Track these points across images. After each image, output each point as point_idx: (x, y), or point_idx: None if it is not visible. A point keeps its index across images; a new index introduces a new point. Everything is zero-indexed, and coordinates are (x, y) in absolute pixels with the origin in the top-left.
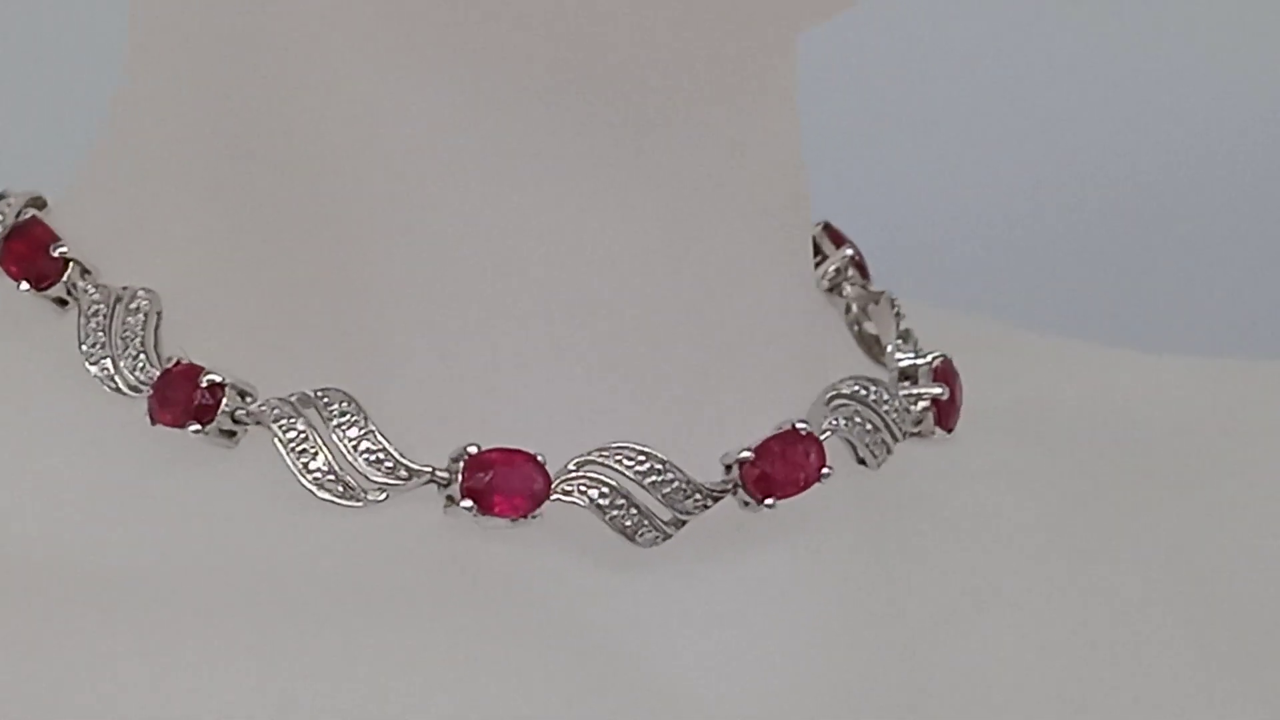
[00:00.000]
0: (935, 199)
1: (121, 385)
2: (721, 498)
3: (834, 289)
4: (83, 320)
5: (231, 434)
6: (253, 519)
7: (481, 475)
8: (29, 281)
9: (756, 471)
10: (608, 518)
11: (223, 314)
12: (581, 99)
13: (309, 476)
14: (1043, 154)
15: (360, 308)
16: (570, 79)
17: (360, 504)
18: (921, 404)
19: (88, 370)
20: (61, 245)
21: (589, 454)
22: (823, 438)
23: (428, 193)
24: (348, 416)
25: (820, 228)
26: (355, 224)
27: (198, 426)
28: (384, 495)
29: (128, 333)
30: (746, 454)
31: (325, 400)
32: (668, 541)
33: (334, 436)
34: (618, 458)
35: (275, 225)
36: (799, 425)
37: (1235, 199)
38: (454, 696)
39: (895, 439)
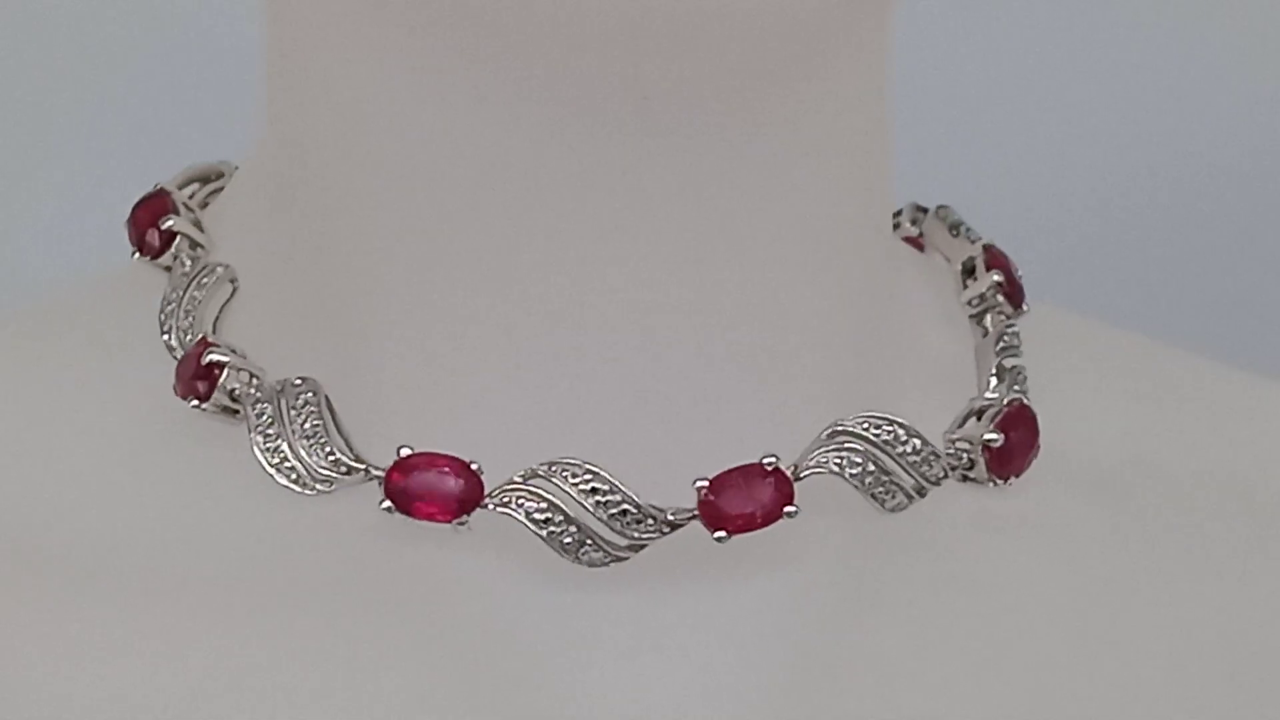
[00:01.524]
0: (937, 199)
1: (179, 355)
2: (680, 526)
3: (979, 316)
4: (167, 289)
5: (234, 412)
6: (226, 502)
7: (404, 477)
8: (140, 250)
9: (710, 503)
10: (545, 534)
11: (268, 300)
12: (584, 106)
13: (270, 460)
14: (1043, 155)
15: (351, 305)
16: (573, 86)
17: (311, 493)
18: (965, 448)
19: (162, 339)
20: (169, 219)
21: (535, 468)
22: (803, 475)
23: (417, 195)
24: (308, 407)
25: (981, 247)
26: (352, 222)
27: (196, 401)
28: (330, 488)
29: (190, 304)
30: (702, 483)
31: (296, 389)
32: (623, 565)
33: (292, 425)
34: (564, 474)
35: (301, 223)
36: (766, 460)
37: (1237, 199)
38: (329, 692)
39: (922, 485)
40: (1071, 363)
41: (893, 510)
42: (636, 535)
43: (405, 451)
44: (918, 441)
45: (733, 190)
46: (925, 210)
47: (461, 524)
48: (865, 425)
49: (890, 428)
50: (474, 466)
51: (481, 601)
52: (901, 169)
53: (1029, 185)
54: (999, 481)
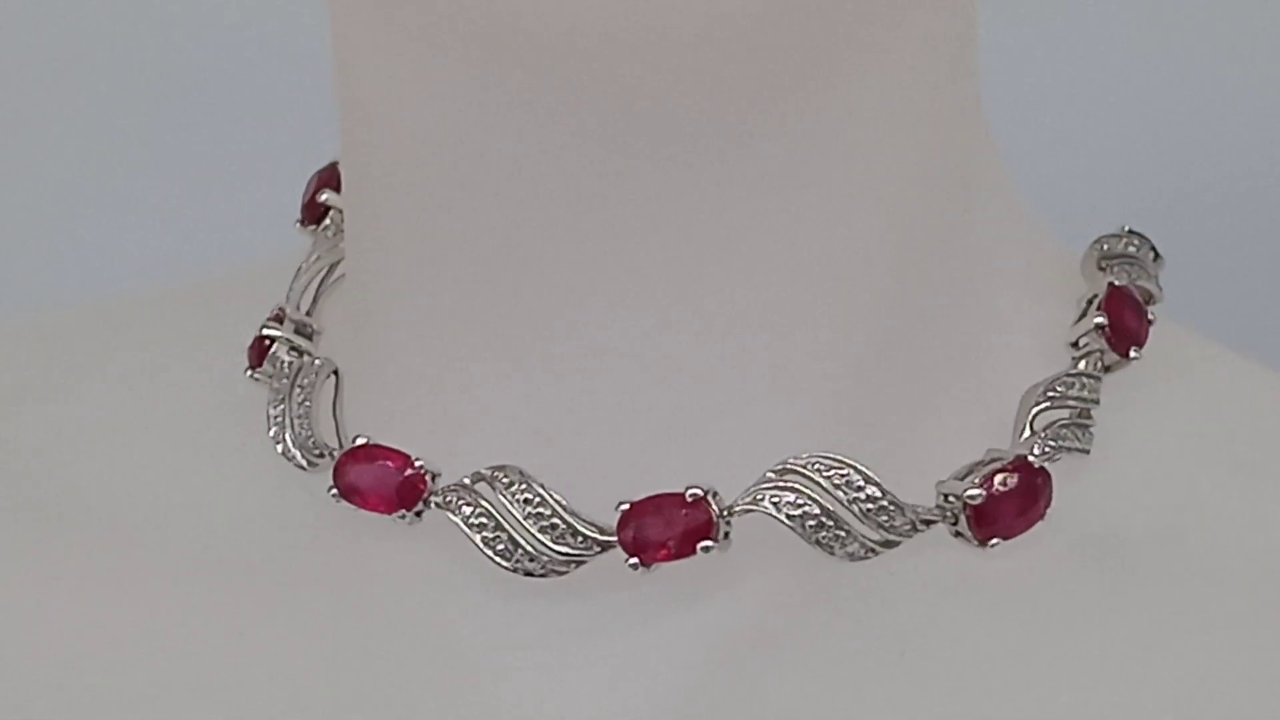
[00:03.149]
0: None
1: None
2: (610, 548)
3: (1080, 359)
4: (304, 262)
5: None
6: (241, 482)
7: (348, 466)
8: (304, 220)
9: (628, 529)
10: (479, 538)
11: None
12: (593, 118)
13: (276, 436)
14: (1043, 155)
15: (367, 297)
16: (581, 98)
17: (301, 470)
18: (950, 500)
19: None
20: (325, 192)
21: (483, 471)
22: (737, 511)
23: (425, 201)
24: (310, 389)
25: (1110, 287)
26: (373, 225)
27: (249, 370)
28: (313, 469)
29: (299, 282)
30: (624, 506)
31: (309, 369)
32: (563, 579)
33: (293, 404)
34: (504, 480)
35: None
36: (690, 492)
37: (1240, 201)
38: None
39: (884, 534)
40: (1163, 417)
41: (848, 558)
42: (567, 551)
43: (361, 441)
44: (875, 490)
45: (734, 199)
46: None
47: (402, 518)
48: (816, 465)
49: (843, 471)
50: (418, 463)
51: (422, 600)
52: None
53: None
54: (980, 543)
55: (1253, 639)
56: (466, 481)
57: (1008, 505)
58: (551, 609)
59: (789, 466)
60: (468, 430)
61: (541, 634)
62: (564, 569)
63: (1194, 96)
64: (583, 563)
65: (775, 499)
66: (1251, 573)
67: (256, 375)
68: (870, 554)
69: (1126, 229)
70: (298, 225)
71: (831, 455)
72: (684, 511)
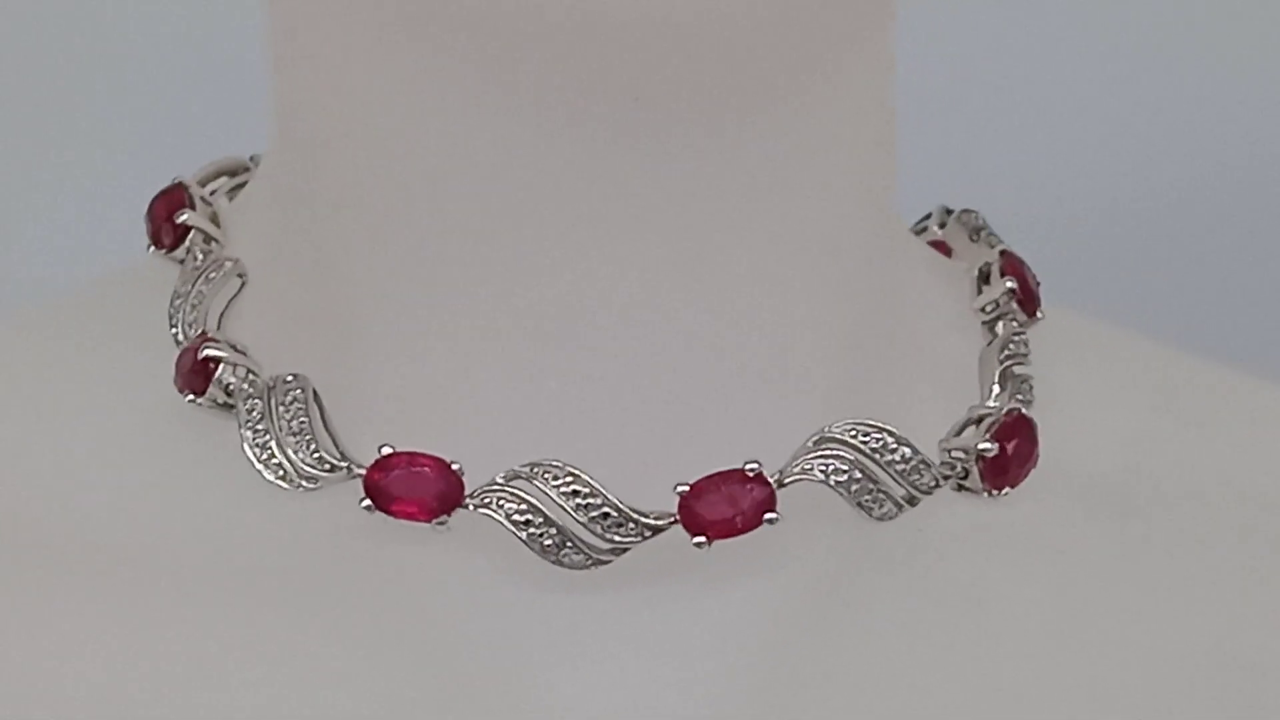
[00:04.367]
0: (937, 200)
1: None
2: (662, 531)
3: (991, 323)
4: (178, 283)
5: (230, 407)
6: (217, 495)
7: (383, 476)
8: (156, 243)
9: (689, 508)
10: (524, 535)
11: (273, 297)
12: (581, 109)
13: (260, 456)
14: (1043, 157)
15: (347, 305)
16: (570, 89)
17: (298, 490)
18: (959, 456)
19: (170, 332)
20: (183, 213)
21: (517, 469)
22: (787, 482)
23: (414, 197)
24: (295, 405)
25: (999, 254)
26: (350, 223)
27: (192, 396)
28: (316, 485)
29: (197, 299)
30: (683, 488)
31: (286, 386)
32: (606, 568)
33: (280, 422)
34: (545, 476)
35: (305, 222)
36: (748, 466)
37: (1240, 202)
38: (291, 688)
39: (911, 491)
40: (1082, 371)
41: (881, 519)
42: (617, 539)
43: (386, 450)
44: (907, 450)
45: (728, 194)
46: (952, 213)
47: (441, 524)
48: (853, 433)
49: (879, 435)
50: (455, 466)
51: (460, 601)
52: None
53: (1032, 186)
54: (993, 492)
55: (1242, 565)
56: (500, 480)
57: (1016, 455)
58: (596, 601)
59: (827, 435)
60: (473, 433)
61: (596, 625)
62: (609, 558)
63: (1192, 96)
64: (626, 550)
65: (823, 466)
66: (1214, 505)
67: (200, 401)
68: (899, 512)
69: (956, 209)
70: (152, 249)
71: (868, 421)
72: (749, 486)
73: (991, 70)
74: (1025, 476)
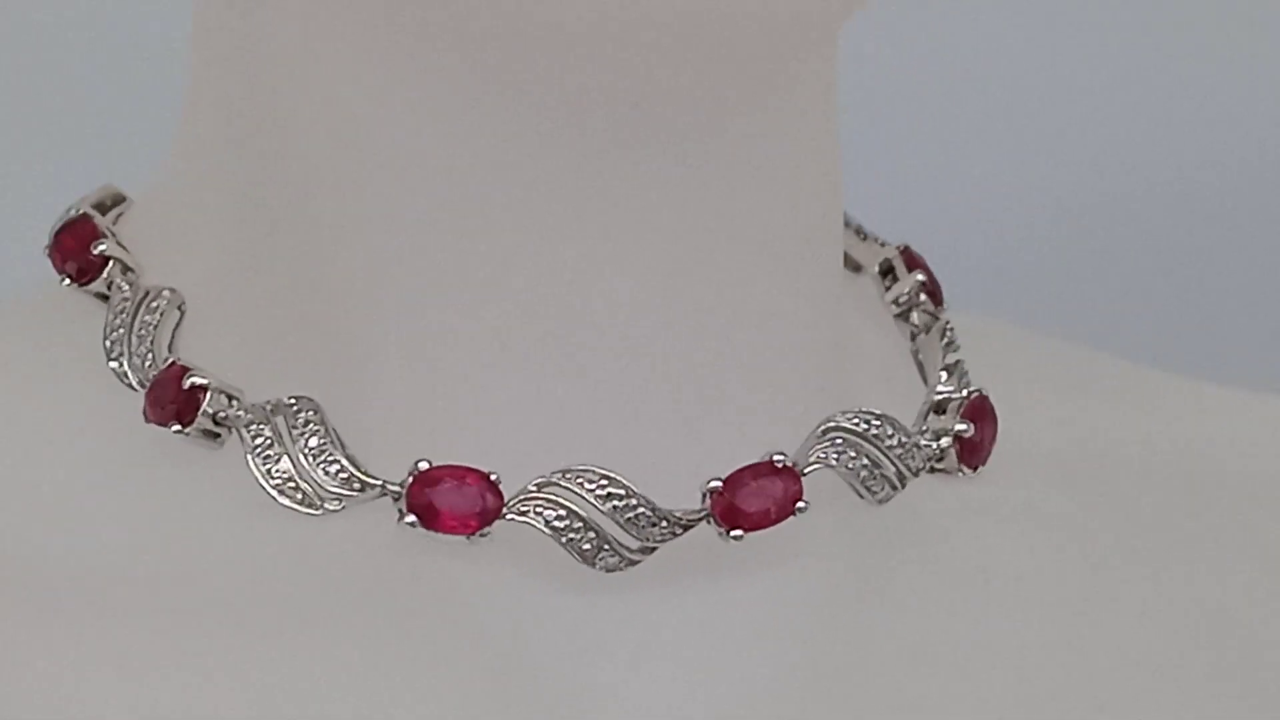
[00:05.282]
0: (936, 202)
1: (133, 382)
2: (692, 526)
3: (903, 315)
4: (110, 316)
5: (215, 435)
6: (224, 523)
7: (429, 491)
8: (71, 277)
9: (725, 502)
10: (564, 541)
11: (233, 319)
12: (578, 112)
13: (271, 482)
14: (1043, 157)
15: (341, 316)
16: (568, 93)
17: (319, 512)
18: (942, 440)
19: (109, 366)
20: (102, 243)
21: (550, 476)
22: (807, 471)
23: (411, 202)
24: (310, 426)
25: (898, 250)
26: (341, 232)
27: (179, 426)
28: (341, 505)
29: (143, 330)
30: (716, 483)
31: (294, 408)
32: (634, 568)
33: (296, 445)
34: (579, 480)
35: (274, 234)
36: (776, 458)
37: (1240, 203)
38: (355, 708)
39: (904, 475)
40: (993, 360)
41: (881, 502)
42: (650, 539)
43: (424, 465)
44: (903, 435)
45: (721, 196)
46: None
47: (483, 535)
48: (856, 421)
49: (879, 423)
50: (493, 478)
51: (500, 611)
52: (901, 170)
53: (1006, 193)
54: (967, 471)
55: (1200, 527)
56: (534, 487)
57: (985, 436)
58: (626, 602)
59: (836, 425)
60: (485, 440)
61: (629, 627)
62: (640, 557)
63: (1192, 95)
64: (655, 549)
65: (837, 454)
66: (1154, 473)
67: (188, 431)
68: (893, 494)
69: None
70: (67, 282)
71: (869, 410)
72: (779, 477)
73: (990, 70)
74: (989, 455)
